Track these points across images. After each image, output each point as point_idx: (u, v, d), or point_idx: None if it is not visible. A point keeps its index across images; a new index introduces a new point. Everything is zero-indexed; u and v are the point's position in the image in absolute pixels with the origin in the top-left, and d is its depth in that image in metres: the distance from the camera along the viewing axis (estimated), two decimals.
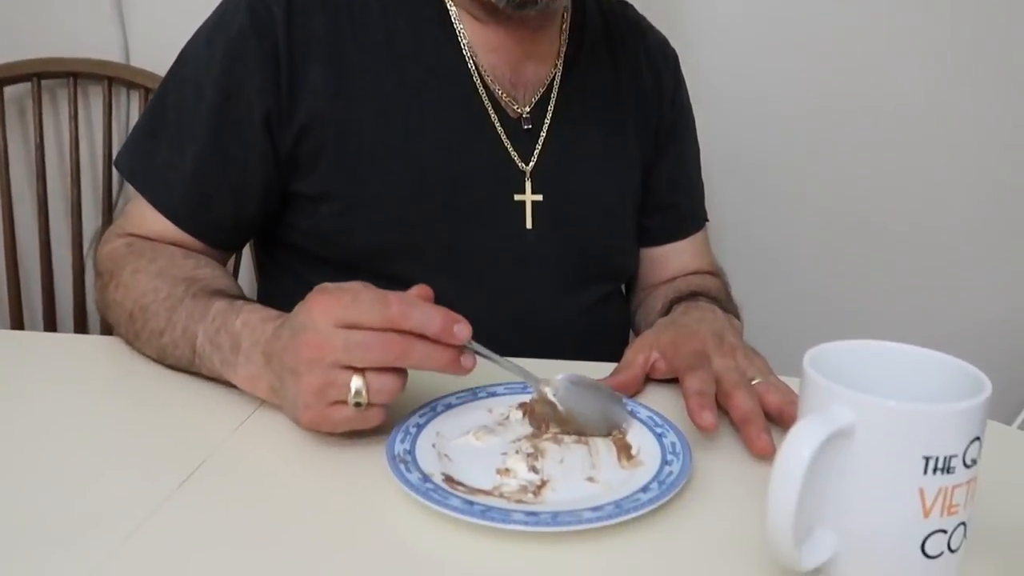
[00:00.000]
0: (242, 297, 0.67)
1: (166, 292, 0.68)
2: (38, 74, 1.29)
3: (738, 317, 0.84)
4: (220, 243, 0.80)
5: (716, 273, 0.96)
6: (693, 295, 0.80)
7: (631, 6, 0.96)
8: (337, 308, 0.53)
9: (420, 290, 0.55)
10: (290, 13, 0.76)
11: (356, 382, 0.52)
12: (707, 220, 0.99)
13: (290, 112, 0.76)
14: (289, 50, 0.75)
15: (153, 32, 1.31)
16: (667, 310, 0.79)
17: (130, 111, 1.35)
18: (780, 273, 1.31)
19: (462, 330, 0.52)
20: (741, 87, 1.25)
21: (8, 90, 1.30)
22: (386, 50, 0.78)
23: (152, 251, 0.75)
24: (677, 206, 0.95)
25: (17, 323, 1.32)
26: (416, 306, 0.52)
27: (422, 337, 0.52)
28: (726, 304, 0.83)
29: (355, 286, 0.55)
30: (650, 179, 0.92)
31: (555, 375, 0.59)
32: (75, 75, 1.30)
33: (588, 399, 0.58)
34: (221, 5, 0.79)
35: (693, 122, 0.98)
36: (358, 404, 0.52)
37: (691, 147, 0.98)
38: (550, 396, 0.57)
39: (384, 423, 0.54)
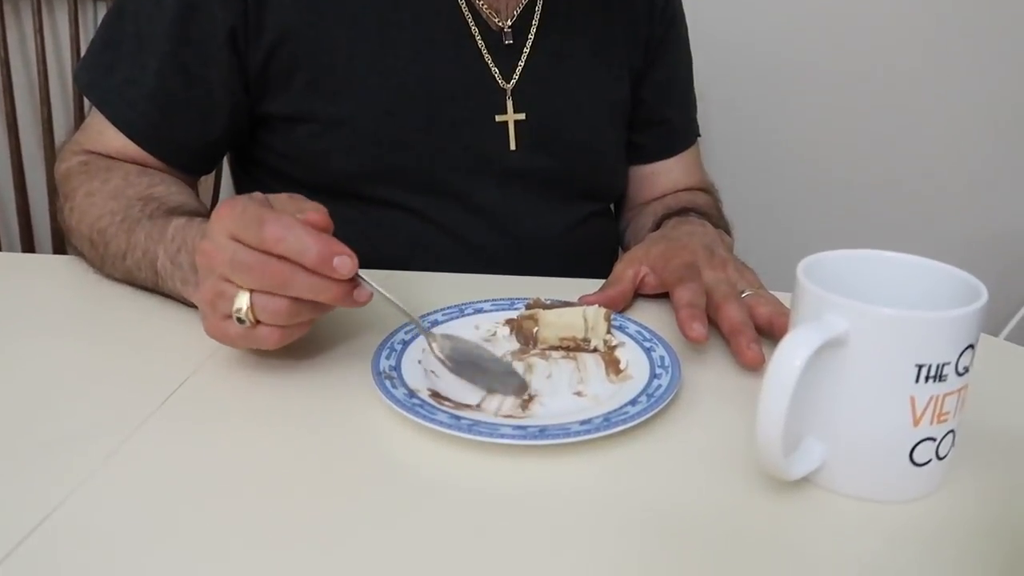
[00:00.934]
0: (201, 213, 0.64)
1: (122, 215, 0.65)
2: None
3: (729, 233, 0.83)
4: (184, 165, 0.77)
5: (708, 190, 0.94)
6: (683, 211, 0.79)
7: None
8: (229, 220, 0.48)
9: (312, 215, 0.49)
10: None
11: (240, 299, 0.49)
12: (699, 136, 0.96)
13: (258, 27, 0.72)
14: None
15: None
16: (657, 226, 0.78)
17: (97, 21, 1.29)
18: (772, 188, 1.30)
19: (343, 263, 0.47)
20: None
21: None
22: None
23: (106, 171, 0.71)
24: (668, 122, 0.92)
25: None
26: (291, 231, 0.47)
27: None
28: (717, 220, 0.81)
29: (256, 197, 0.51)
30: (640, 93, 0.89)
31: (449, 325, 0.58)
32: None
33: (470, 359, 0.54)
34: None
35: (686, 32, 0.93)
36: (241, 320, 0.49)
37: (683, 60, 0.94)
38: (436, 351, 0.53)
39: (288, 343, 0.51)
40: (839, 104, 1.26)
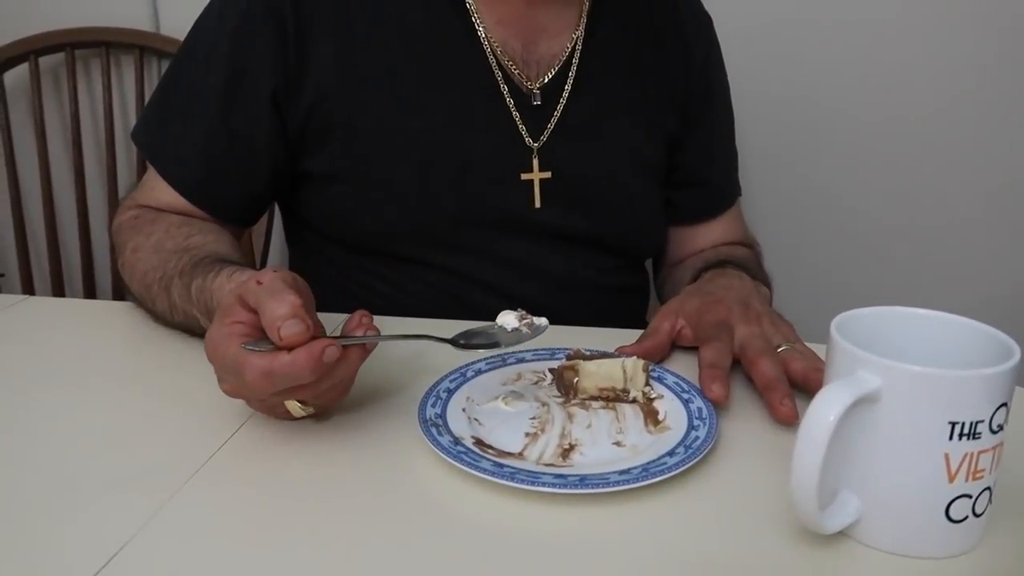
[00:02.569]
0: (232, 259, 0.68)
1: (161, 271, 0.69)
2: (72, 44, 1.31)
3: (768, 285, 0.83)
4: (230, 218, 0.81)
5: (748, 244, 0.94)
6: (721, 263, 0.80)
7: None
8: (214, 363, 0.52)
9: (288, 339, 0.48)
10: None
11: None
12: (740, 194, 0.96)
13: (298, 88, 0.76)
14: (297, 25, 0.75)
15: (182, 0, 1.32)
16: (695, 278, 0.79)
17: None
18: (810, 243, 1.30)
19: (331, 355, 0.48)
20: (772, 57, 1.23)
21: (43, 60, 1.32)
22: (395, 24, 0.77)
23: (151, 224, 0.75)
24: (709, 183, 0.93)
25: (58, 290, 1.35)
26: (272, 373, 0.48)
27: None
28: (756, 272, 0.81)
29: (228, 315, 0.51)
30: (680, 155, 0.89)
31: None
32: (107, 44, 1.31)
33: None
34: None
35: (727, 91, 0.94)
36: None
37: (723, 119, 0.94)
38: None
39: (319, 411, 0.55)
40: (878, 155, 1.26)
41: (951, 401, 0.41)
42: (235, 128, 0.77)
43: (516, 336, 0.56)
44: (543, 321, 0.57)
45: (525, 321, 0.56)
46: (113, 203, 1.31)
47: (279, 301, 0.48)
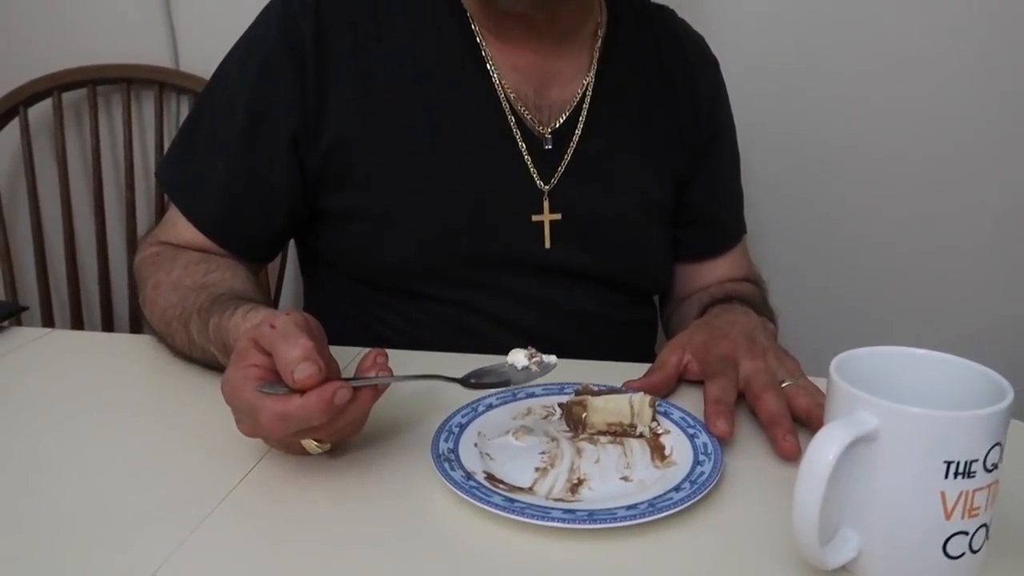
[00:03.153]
0: (248, 295, 0.70)
1: (180, 307, 0.71)
2: (94, 80, 1.34)
3: (774, 320, 0.84)
4: (249, 255, 0.83)
5: (754, 280, 0.96)
6: (728, 298, 0.82)
7: (672, 13, 0.95)
8: (231, 405, 0.54)
9: (301, 381, 0.50)
10: (319, 30, 0.78)
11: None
12: (745, 232, 0.98)
13: (317, 131, 0.78)
14: (317, 69, 0.77)
15: (201, 38, 1.36)
16: (702, 313, 0.81)
17: (180, 114, 1.39)
18: (815, 278, 1.31)
19: (342, 397, 0.50)
20: (774, 97, 1.25)
21: (66, 96, 1.35)
22: (412, 69, 0.80)
23: (171, 261, 0.78)
24: (715, 221, 0.95)
25: (76, 321, 1.38)
26: (287, 417, 0.50)
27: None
28: (761, 308, 0.83)
29: (244, 359, 0.53)
30: (687, 195, 0.91)
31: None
32: (129, 81, 1.35)
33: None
34: (256, 20, 0.82)
35: (733, 131, 0.96)
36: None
37: (730, 158, 0.96)
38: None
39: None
40: (884, 192, 1.27)
41: (946, 441, 0.42)
42: (256, 168, 0.79)
43: (526, 374, 0.57)
44: (552, 359, 0.58)
45: (535, 359, 0.57)
46: (131, 236, 1.34)
47: (292, 345, 0.50)
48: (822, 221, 1.30)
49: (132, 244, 1.35)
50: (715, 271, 0.94)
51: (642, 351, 0.93)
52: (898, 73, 1.22)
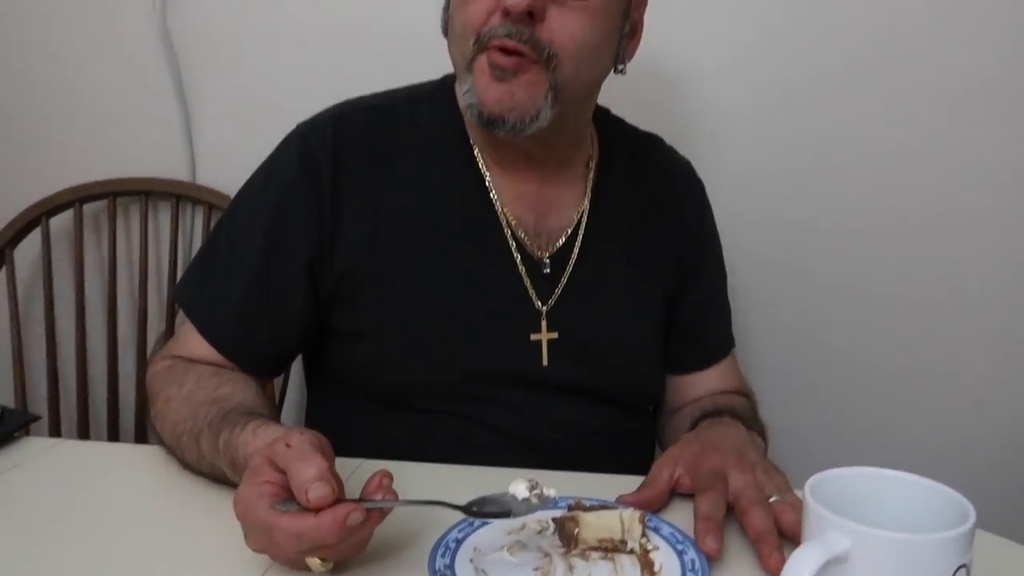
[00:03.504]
0: (257, 409, 0.73)
1: (191, 422, 0.74)
2: (115, 193, 1.41)
3: (763, 434, 0.87)
4: (259, 370, 0.87)
5: (743, 393, 0.99)
6: (718, 412, 0.85)
7: (661, 140, 1.02)
8: (243, 523, 0.57)
9: (315, 500, 0.53)
10: (336, 163, 0.83)
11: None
12: (733, 345, 1.02)
13: (331, 256, 0.83)
14: (333, 199, 0.83)
15: (218, 153, 1.43)
16: (693, 426, 0.83)
17: (195, 224, 1.45)
18: (803, 391, 1.33)
19: (355, 520, 0.53)
20: (757, 208, 1.29)
21: (87, 207, 1.42)
22: (422, 198, 0.85)
23: (183, 374, 0.81)
24: (702, 337, 0.99)
25: (83, 428, 1.40)
26: (300, 536, 0.53)
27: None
28: (751, 422, 0.86)
29: (258, 477, 0.56)
30: (676, 310, 0.96)
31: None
32: (147, 193, 1.41)
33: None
34: (276, 150, 0.88)
35: (719, 250, 1.02)
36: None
37: (716, 276, 1.01)
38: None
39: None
40: (873, 305, 1.30)
41: (914, 563, 0.45)
42: (271, 290, 0.84)
43: (527, 506, 0.59)
44: (552, 491, 0.60)
45: (536, 491, 0.59)
46: (142, 343, 1.38)
47: (307, 464, 0.53)
48: (812, 335, 1.32)
49: (142, 351, 1.38)
50: (705, 383, 0.98)
51: (639, 461, 0.95)
52: (885, 187, 1.27)
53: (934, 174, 1.25)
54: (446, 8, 0.84)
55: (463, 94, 0.79)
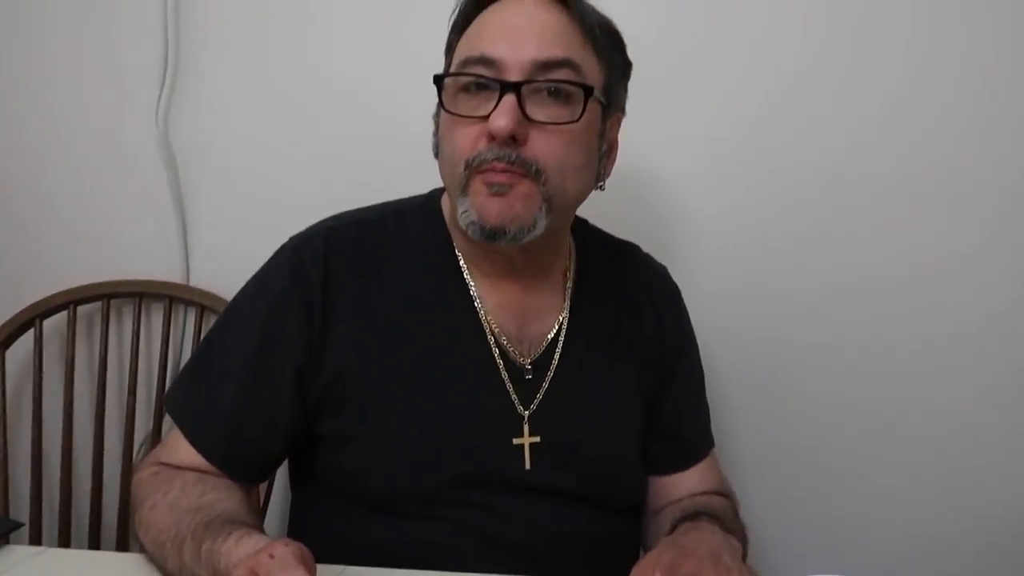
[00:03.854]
0: (241, 518, 0.74)
1: (175, 529, 0.75)
2: (108, 295, 1.43)
3: (743, 536, 0.88)
4: (245, 476, 0.88)
5: (723, 493, 1.00)
6: (697, 514, 0.85)
7: (637, 248, 1.06)
8: None
9: None
10: (327, 275, 0.87)
11: None
12: (712, 445, 1.03)
13: (319, 365, 0.85)
14: (323, 311, 0.86)
15: (212, 256, 1.46)
16: (672, 529, 0.84)
17: (187, 326, 1.47)
18: (784, 492, 1.32)
19: None
20: (737, 311, 1.31)
21: (80, 308, 1.44)
22: (408, 307, 0.88)
23: (169, 482, 0.82)
24: (681, 438, 1.00)
25: (64, 533, 1.38)
26: None
27: None
28: (730, 524, 0.87)
29: None
30: (653, 413, 0.98)
31: None
32: (141, 295, 1.44)
33: None
34: (269, 261, 0.91)
35: (696, 352, 1.05)
36: None
37: (693, 378, 1.04)
38: None
39: None
40: (855, 407, 1.30)
41: None
42: (260, 398, 0.85)
43: None
44: None
45: None
46: (128, 445, 1.38)
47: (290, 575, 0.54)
48: (790, 436, 1.32)
49: (128, 456, 1.38)
50: (685, 484, 0.99)
51: (624, 564, 0.94)
52: (867, 292, 1.29)
53: (915, 283, 1.27)
54: (436, 133, 0.89)
55: (461, 214, 0.83)
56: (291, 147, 1.40)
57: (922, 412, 1.29)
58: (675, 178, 1.30)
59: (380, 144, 1.36)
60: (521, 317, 0.92)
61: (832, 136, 1.26)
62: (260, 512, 1.31)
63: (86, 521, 1.38)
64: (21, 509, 1.40)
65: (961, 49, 1.22)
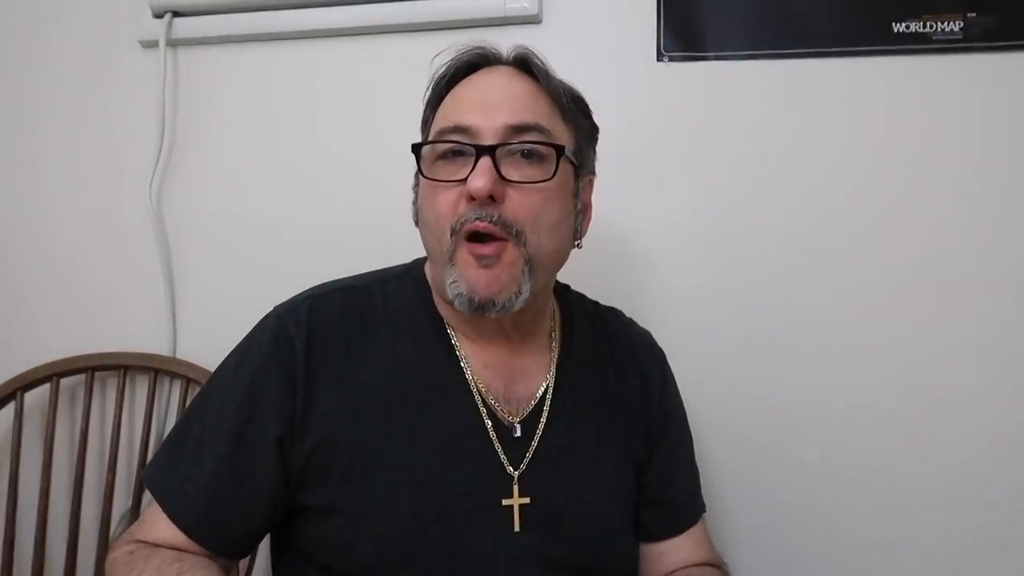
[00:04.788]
0: None
1: None
2: (92, 367, 1.42)
3: None
4: (225, 552, 0.85)
5: (717, 564, 0.98)
6: None
7: (620, 313, 1.07)
8: None
9: None
10: (310, 343, 0.86)
11: None
12: (704, 511, 1.02)
13: (302, 433, 0.84)
14: (306, 379, 0.85)
15: (200, 328, 1.46)
16: None
17: (171, 398, 1.45)
18: (776, 561, 1.30)
19: None
20: (730, 382, 1.31)
21: (63, 380, 1.42)
22: (393, 372, 0.88)
23: (144, 560, 0.80)
24: (671, 501, 0.99)
25: None
26: None
27: None
28: None
29: None
30: (643, 477, 0.97)
31: None
32: (126, 367, 1.42)
33: None
34: (251, 331, 0.91)
35: (683, 416, 1.04)
36: None
37: (681, 442, 1.03)
38: None
39: None
40: (849, 471, 1.29)
41: None
42: (240, 468, 0.84)
43: None
44: None
45: None
46: (105, 521, 1.34)
47: None
48: (779, 501, 1.30)
49: (105, 532, 1.34)
50: (678, 552, 0.97)
51: None
52: (839, 368, 1.29)
53: (898, 342, 1.27)
54: (415, 202, 0.91)
55: (450, 285, 0.84)
56: (282, 222, 1.42)
57: (916, 484, 1.27)
58: (658, 246, 1.32)
59: (370, 220, 1.37)
60: (508, 377, 0.92)
61: (814, 210, 1.28)
62: None
63: None
64: None
65: (938, 124, 1.25)
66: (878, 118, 1.27)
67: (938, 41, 1.23)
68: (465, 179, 0.82)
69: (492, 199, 0.82)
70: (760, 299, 1.30)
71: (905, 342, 1.27)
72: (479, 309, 0.83)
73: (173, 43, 1.44)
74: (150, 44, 1.45)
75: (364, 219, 1.37)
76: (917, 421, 1.27)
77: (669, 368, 1.05)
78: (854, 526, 1.29)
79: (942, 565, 1.27)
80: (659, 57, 1.31)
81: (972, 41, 1.23)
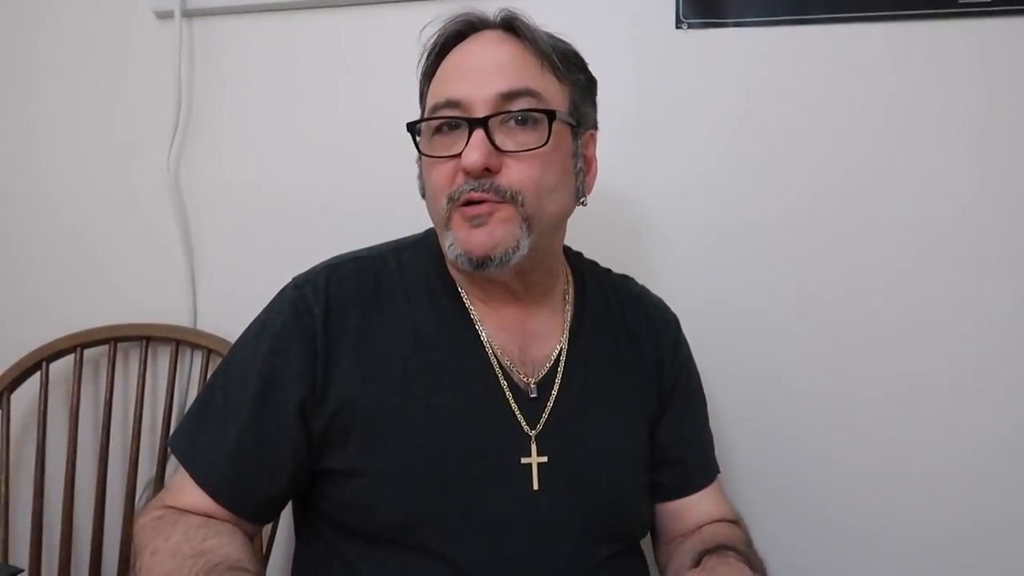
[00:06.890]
0: (243, 564, 0.74)
1: None
2: (115, 338, 1.44)
3: (763, 569, 0.88)
4: (251, 516, 0.87)
5: (734, 520, 1.00)
6: (721, 547, 0.86)
7: (631, 279, 1.07)
8: None
9: None
10: (328, 310, 0.88)
11: None
12: (718, 472, 1.03)
13: (323, 398, 0.86)
14: (326, 345, 0.87)
15: (219, 299, 1.47)
16: (697, 562, 0.85)
17: (193, 369, 1.47)
18: (795, 548, 1.30)
19: None
20: (746, 355, 1.30)
21: (87, 351, 1.44)
22: (411, 336, 0.89)
23: (172, 526, 0.82)
24: (684, 460, 1.00)
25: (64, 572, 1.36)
26: None
27: None
28: (751, 556, 0.87)
29: None
30: (656, 437, 0.98)
31: None
32: (147, 338, 1.44)
33: None
34: (271, 302, 0.92)
35: (697, 379, 1.05)
36: None
37: (694, 403, 1.04)
38: None
39: None
40: (865, 471, 1.29)
41: None
42: (264, 433, 0.85)
43: None
44: None
45: None
46: (131, 490, 1.36)
47: None
48: (798, 490, 1.30)
49: (130, 498, 1.37)
50: (697, 510, 0.99)
51: None
52: (867, 330, 1.28)
53: (913, 310, 1.26)
54: (420, 176, 0.93)
55: (448, 248, 0.87)
56: (300, 193, 1.43)
57: (921, 466, 1.27)
58: (676, 218, 1.31)
59: (389, 190, 1.36)
60: (523, 339, 0.93)
61: (835, 180, 1.27)
62: (263, 559, 1.29)
63: (86, 567, 1.37)
64: (20, 554, 1.39)
65: (936, 108, 1.23)
66: (904, 85, 1.25)
67: (967, 5, 1.21)
68: (460, 153, 0.83)
69: (488, 171, 0.83)
70: (778, 268, 1.29)
71: (920, 311, 1.26)
72: (479, 266, 0.85)
73: (188, 13, 1.44)
74: (165, 15, 1.44)
75: (382, 189, 1.37)
76: (931, 384, 1.26)
77: (683, 334, 1.06)
78: (867, 498, 1.29)
79: (958, 547, 1.27)
80: (678, 24, 1.29)
81: (1002, 5, 1.20)
